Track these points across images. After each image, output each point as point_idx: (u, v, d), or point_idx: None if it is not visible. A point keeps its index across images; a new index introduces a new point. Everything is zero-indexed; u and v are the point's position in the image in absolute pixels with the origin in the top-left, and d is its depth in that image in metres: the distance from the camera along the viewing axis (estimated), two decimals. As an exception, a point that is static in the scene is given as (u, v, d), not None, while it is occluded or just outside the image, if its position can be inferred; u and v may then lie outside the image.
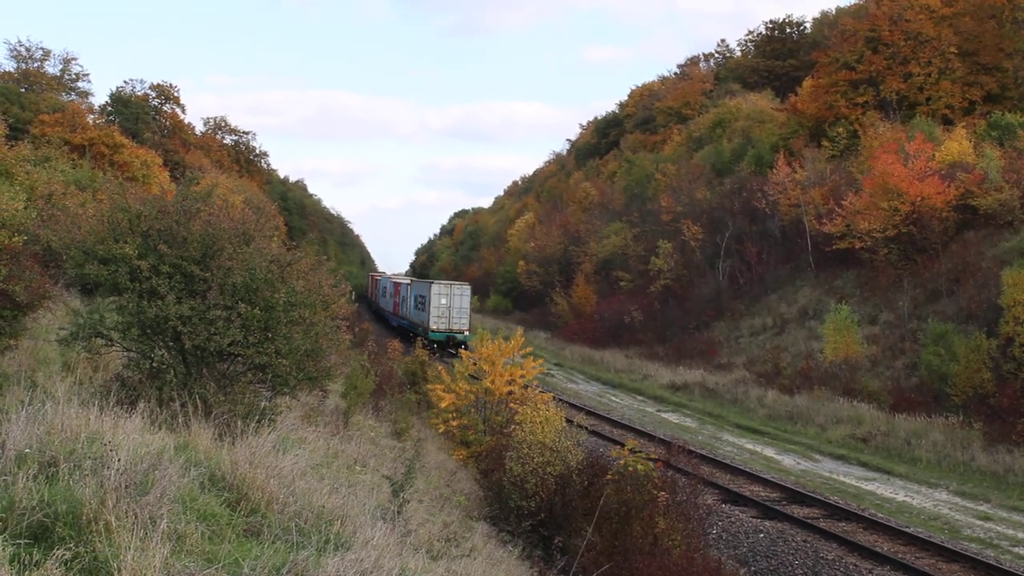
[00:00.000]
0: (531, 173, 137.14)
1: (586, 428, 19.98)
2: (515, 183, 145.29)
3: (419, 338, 43.23)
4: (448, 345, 44.39)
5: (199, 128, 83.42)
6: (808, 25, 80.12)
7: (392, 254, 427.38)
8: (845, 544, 16.69)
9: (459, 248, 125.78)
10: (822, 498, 19.87)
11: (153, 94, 68.89)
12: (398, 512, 8.99)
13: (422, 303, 48.11)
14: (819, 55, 57.18)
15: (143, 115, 63.20)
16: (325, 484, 8.10)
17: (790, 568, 16.00)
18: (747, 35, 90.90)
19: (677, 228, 53.57)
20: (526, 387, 21.67)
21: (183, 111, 72.27)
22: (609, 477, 15.21)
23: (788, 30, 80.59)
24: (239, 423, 8.64)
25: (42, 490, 5.52)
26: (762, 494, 20.37)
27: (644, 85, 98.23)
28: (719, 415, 31.53)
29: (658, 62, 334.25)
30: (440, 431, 21.56)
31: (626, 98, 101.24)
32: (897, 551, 16.47)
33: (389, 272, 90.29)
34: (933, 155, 38.82)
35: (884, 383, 30.88)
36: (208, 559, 5.48)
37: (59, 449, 6.28)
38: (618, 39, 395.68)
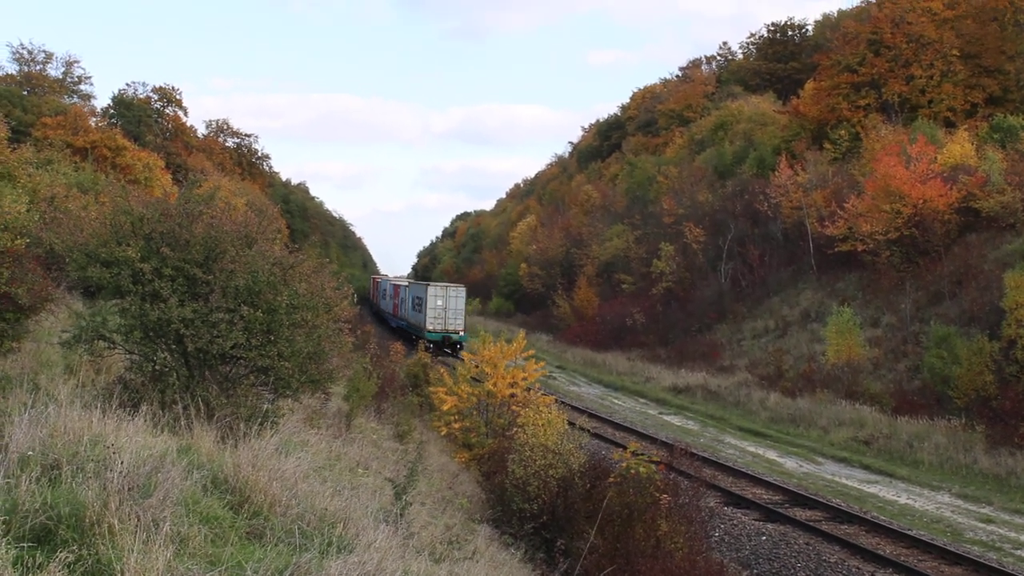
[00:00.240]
0: (533, 176, 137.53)
1: (588, 431, 19.92)
2: (517, 186, 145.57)
3: (420, 340, 43.61)
4: (444, 345, 45.61)
5: (201, 131, 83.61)
6: (810, 28, 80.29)
7: (394, 257, 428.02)
8: (847, 547, 16.66)
9: (461, 251, 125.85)
10: (824, 501, 19.84)
11: (155, 97, 69.03)
12: (400, 515, 8.99)
13: (419, 304, 49.26)
14: (821, 58, 57.20)
15: (145, 118, 63.30)
16: (327, 487, 8.09)
17: (792, 571, 15.98)
18: (749, 38, 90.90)
19: (679, 231, 53.57)
20: (528, 390, 21.68)
21: (185, 114, 72.46)
22: (611, 480, 15.19)
23: (790, 33, 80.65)
24: (242, 426, 8.64)
25: (45, 493, 5.52)
26: (764, 497, 20.34)
27: (646, 88, 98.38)
28: (721, 418, 31.51)
29: (660, 65, 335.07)
30: (442, 434, 21.55)
31: (628, 101, 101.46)
32: (899, 554, 16.44)
33: (391, 275, 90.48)
34: (935, 158, 38.83)
35: (886, 386, 30.85)
36: (211, 562, 5.48)
37: (62, 452, 6.28)
38: (620, 42, 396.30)
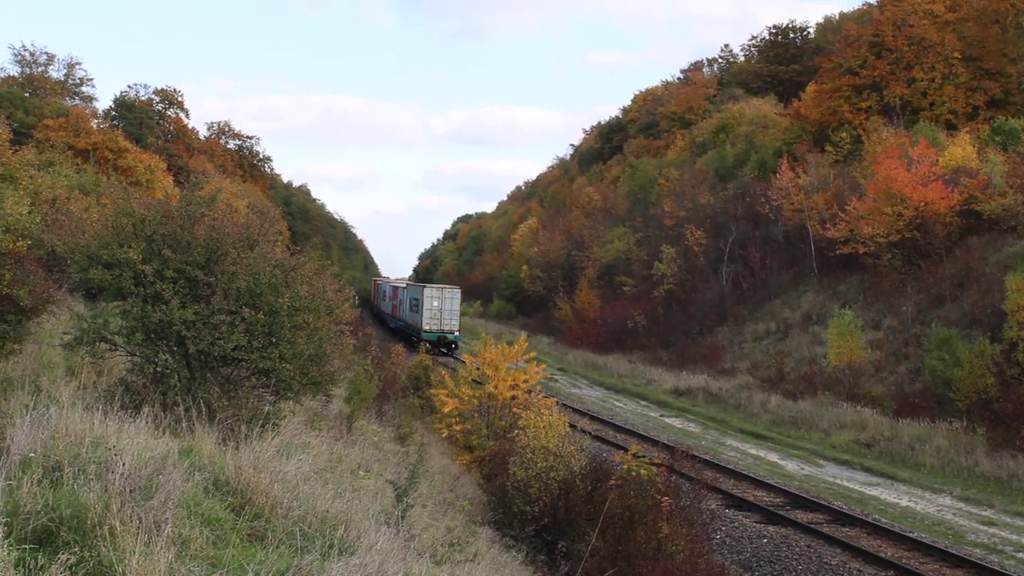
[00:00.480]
0: (534, 178, 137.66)
1: (589, 433, 19.94)
2: (518, 188, 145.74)
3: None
4: (440, 344, 47.43)
5: (203, 133, 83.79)
6: (812, 30, 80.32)
7: (396, 259, 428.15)
8: (849, 549, 16.66)
9: (462, 253, 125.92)
10: (826, 503, 19.84)
11: (157, 99, 69.15)
12: (402, 517, 8.99)
13: (416, 305, 50.96)
14: (822, 60, 57.25)
15: (147, 120, 63.40)
16: (329, 489, 8.09)
17: (794, 573, 15.97)
18: (751, 40, 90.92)
19: (680, 233, 53.58)
20: (529, 392, 21.65)
21: (187, 116, 72.60)
22: (613, 482, 15.18)
23: (792, 35, 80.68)
24: (243, 428, 8.63)
25: (46, 494, 5.52)
26: (766, 499, 20.34)
27: (648, 90, 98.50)
28: (722, 420, 31.50)
29: (662, 67, 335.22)
30: (443, 436, 21.53)
31: (629, 103, 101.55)
32: (901, 556, 16.43)
33: (392, 277, 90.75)
34: (937, 160, 38.83)
35: (888, 388, 30.84)
36: (212, 563, 5.48)
37: (63, 453, 6.28)
38: (621, 44, 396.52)
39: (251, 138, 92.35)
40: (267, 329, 10.18)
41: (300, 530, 6.38)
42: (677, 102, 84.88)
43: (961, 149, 40.04)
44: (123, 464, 5.95)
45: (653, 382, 39.59)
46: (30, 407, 7.18)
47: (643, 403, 35.94)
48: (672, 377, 39.50)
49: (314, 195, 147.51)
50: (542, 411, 17.22)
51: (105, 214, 11.99)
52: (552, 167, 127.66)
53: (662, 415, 33.03)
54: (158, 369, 10.59)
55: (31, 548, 5.02)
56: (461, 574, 8.32)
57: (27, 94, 54.68)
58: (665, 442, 24.72)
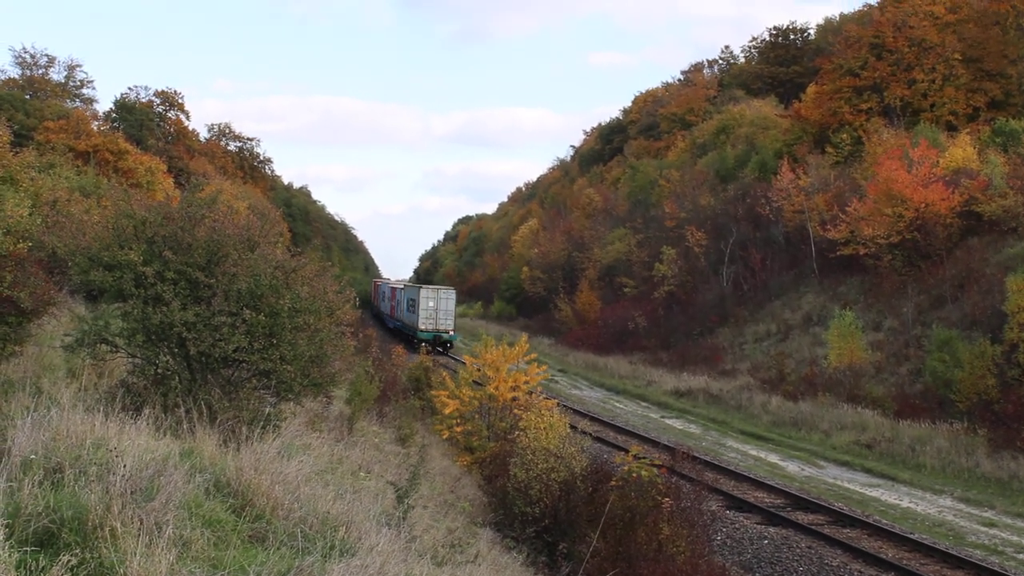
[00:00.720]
0: (535, 179, 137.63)
1: (590, 434, 19.96)
2: (519, 189, 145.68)
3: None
4: (435, 343, 48.58)
5: (203, 134, 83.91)
6: (812, 31, 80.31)
7: (396, 260, 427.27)
8: (849, 550, 16.66)
9: (463, 254, 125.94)
10: (826, 504, 19.84)
11: (157, 100, 69.24)
12: (402, 518, 8.99)
13: (413, 306, 52.56)
14: (823, 61, 57.23)
15: (147, 121, 63.46)
16: (330, 490, 8.09)
17: (795, 574, 15.97)
18: (751, 41, 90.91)
19: (681, 234, 53.58)
20: (530, 393, 21.66)
21: (187, 117, 72.72)
22: (613, 483, 15.18)
23: (792, 36, 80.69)
24: (244, 429, 8.63)
25: (48, 496, 5.52)
26: (766, 500, 20.34)
27: (648, 91, 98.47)
28: (723, 421, 31.50)
29: (662, 68, 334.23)
30: (444, 437, 21.54)
31: (630, 104, 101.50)
32: (901, 557, 16.43)
33: (393, 278, 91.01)
34: (937, 161, 38.82)
35: (888, 389, 30.83)
36: (213, 565, 5.49)
37: (64, 455, 6.28)
38: (622, 45, 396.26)
39: (251, 140, 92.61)
40: (268, 330, 10.18)
41: (301, 531, 6.39)
42: (677, 103, 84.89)
43: (962, 150, 40.04)
44: (124, 466, 5.96)
45: (654, 383, 39.59)
46: (31, 409, 7.19)
47: (644, 404, 35.94)
48: (673, 378, 39.50)
49: (314, 196, 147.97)
50: (543, 412, 17.23)
51: (106, 216, 12.00)
52: (552, 168, 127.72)
53: (663, 416, 33.03)
54: (159, 371, 10.60)
55: (32, 550, 5.02)
56: (462, 575, 8.32)
57: (28, 96, 54.75)
58: (666, 443, 24.73)
